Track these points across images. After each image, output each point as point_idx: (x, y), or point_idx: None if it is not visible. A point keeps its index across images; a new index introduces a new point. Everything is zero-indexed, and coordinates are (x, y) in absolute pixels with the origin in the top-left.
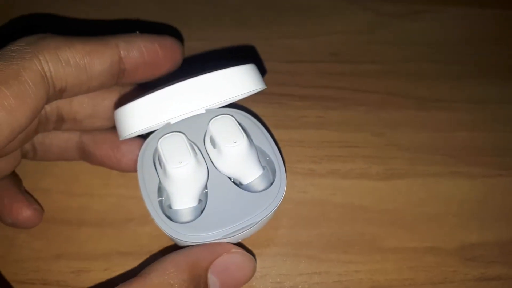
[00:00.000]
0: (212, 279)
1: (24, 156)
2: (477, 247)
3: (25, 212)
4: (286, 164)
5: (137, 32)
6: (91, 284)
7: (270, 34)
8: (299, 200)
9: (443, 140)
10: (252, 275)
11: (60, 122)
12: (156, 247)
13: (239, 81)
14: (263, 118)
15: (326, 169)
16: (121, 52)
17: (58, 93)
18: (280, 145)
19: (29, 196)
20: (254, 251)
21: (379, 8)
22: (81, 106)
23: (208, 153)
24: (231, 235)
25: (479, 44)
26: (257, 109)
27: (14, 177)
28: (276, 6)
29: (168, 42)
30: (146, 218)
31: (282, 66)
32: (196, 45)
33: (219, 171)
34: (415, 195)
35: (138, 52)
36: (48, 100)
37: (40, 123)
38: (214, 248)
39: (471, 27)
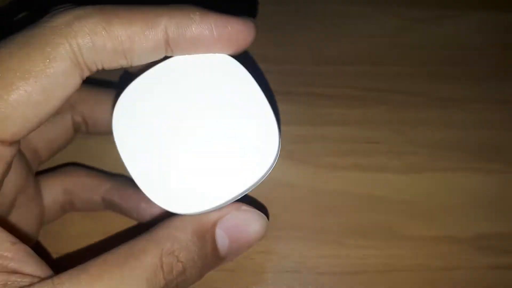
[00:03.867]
0: (220, 233)
1: (78, 129)
2: (490, 237)
3: (154, 208)
4: (309, 159)
5: (196, 13)
6: None
7: (300, 39)
8: (322, 190)
9: (461, 138)
10: (263, 232)
11: (94, 127)
12: None
13: None
14: (291, 115)
15: (347, 163)
16: (170, 37)
17: (94, 73)
18: (306, 141)
19: None
20: (277, 233)
21: (403, 13)
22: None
23: None
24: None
25: (499, 48)
26: (286, 107)
27: (130, 180)
28: (306, 12)
29: (236, 29)
30: None
31: (310, 68)
32: None
33: None
34: (432, 188)
35: (190, 40)
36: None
37: (75, 130)
38: (221, 208)
39: (492, 31)
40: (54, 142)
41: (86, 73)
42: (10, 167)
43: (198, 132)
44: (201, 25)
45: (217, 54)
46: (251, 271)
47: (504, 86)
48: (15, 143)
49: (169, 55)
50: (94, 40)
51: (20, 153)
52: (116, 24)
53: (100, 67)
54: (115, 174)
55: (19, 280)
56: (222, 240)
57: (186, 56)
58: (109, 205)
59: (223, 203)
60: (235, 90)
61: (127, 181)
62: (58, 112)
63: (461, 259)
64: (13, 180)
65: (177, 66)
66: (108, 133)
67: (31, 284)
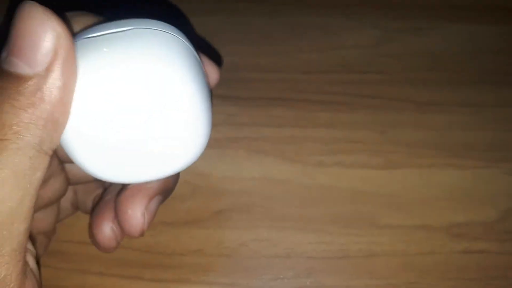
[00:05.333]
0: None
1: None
2: (463, 226)
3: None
4: (299, 157)
5: None
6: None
7: (290, 49)
8: (309, 185)
9: (438, 137)
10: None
11: None
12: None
13: None
14: (282, 119)
15: (333, 160)
16: None
17: None
18: (296, 142)
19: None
20: (270, 223)
21: (385, 25)
22: None
23: None
24: None
25: (475, 55)
26: (278, 112)
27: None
28: (296, 24)
29: None
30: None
31: (299, 76)
32: (225, 60)
33: None
34: (410, 182)
35: None
36: None
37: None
38: None
39: (469, 41)
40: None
41: None
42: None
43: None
44: None
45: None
46: (245, 257)
47: (476, 91)
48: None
49: None
50: None
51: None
52: None
53: None
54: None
55: None
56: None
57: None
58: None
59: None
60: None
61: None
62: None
63: (436, 245)
64: (56, 190)
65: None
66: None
67: None
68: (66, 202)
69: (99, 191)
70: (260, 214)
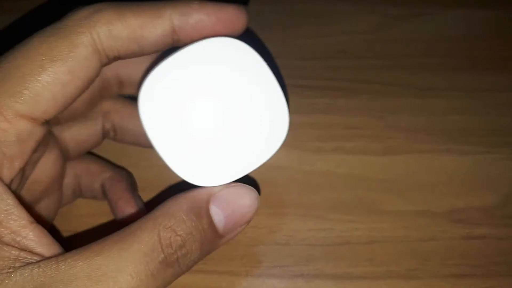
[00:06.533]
0: (214, 209)
1: (106, 135)
2: (463, 211)
3: (127, 210)
4: (297, 144)
5: (195, 2)
6: None
7: (287, 35)
8: (308, 171)
9: (437, 123)
10: (256, 206)
11: (121, 86)
12: None
13: None
14: None
15: (331, 147)
16: (175, 23)
17: (112, 60)
18: (293, 128)
19: (138, 199)
20: (268, 210)
21: (383, 11)
22: (137, 71)
23: None
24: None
25: (473, 41)
26: None
27: (131, 179)
28: (293, 11)
29: (231, 13)
30: None
31: (296, 63)
32: None
33: None
34: (410, 168)
35: (192, 26)
36: (104, 66)
37: (103, 88)
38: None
39: (467, 26)
40: (83, 143)
41: (105, 60)
42: (38, 147)
43: (218, 112)
44: (201, 11)
45: (231, 41)
46: (244, 244)
47: (474, 76)
48: (45, 123)
49: (175, 44)
50: (111, 29)
51: (54, 145)
52: (128, 15)
53: (116, 54)
54: (119, 167)
55: (28, 257)
56: (218, 215)
57: (201, 44)
58: (104, 194)
59: (237, 178)
60: (249, 75)
61: (125, 175)
62: (91, 118)
63: (437, 231)
64: (48, 169)
65: (194, 53)
66: (132, 143)
67: (38, 261)
68: (67, 189)
69: (106, 174)
70: None
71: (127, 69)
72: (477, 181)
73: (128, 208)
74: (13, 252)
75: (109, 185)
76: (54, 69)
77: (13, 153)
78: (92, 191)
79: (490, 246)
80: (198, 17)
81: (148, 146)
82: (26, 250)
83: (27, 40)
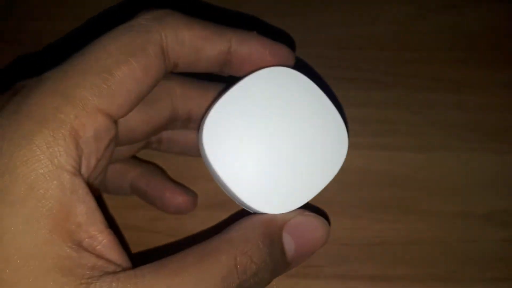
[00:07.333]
0: (287, 238)
1: (148, 146)
2: (505, 213)
3: (177, 199)
4: None
5: (255, 32)
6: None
7: (321, 24)
8: (344, 168)
9: (475, 119)
10: (326, 239)
11: (187, 122)
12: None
13: None
14: None
15: (368, 142)
16: (232, 46)
17: (172, 67)
18: None
19: (180, 185)
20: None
21: (420, 1)
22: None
23: None
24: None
25: (507, 35)
26: None
27: (160, 169)
28: None
29: (282, 52)
30: None
31: (331, 53)
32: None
33: None
34: (448, 166)
35: (247, 52)
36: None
37: (170, 121)
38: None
39: (506, 19)
40: (124, 152)
41: (167, 63)
42: (114, 145)
43: (280, 140)
44: (258, 42)
45: (286, 70)
46: None
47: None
48: (116, 122)
49: (223, 68)
50: (177, 33)
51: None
52: (195, 25)
53: (176, 60)
54: (144, 161)
55: (105, 265)
56: (289, 245)
57: (258, 75)
58: (136, 191)
59: (304, 203)
60: (308, 102)
61: (155, 169)
62: (158, 99)
63: (476, 233)
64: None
65: (253, 83)
66: (179, 153)
67: (115, 272)
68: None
69: (134, 173)
70: None
71: (199, 107)
72: None
73: (177, 197)
74: (91, 259)
75: (144, 183)
76: (130, 65)
77: (90, 150)
78: (120, 190)
79: None
80: (254, 46)
81: (196, 155)
82: (102, 258)
83: (103, 36)
